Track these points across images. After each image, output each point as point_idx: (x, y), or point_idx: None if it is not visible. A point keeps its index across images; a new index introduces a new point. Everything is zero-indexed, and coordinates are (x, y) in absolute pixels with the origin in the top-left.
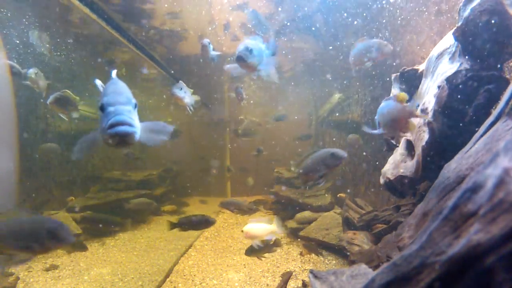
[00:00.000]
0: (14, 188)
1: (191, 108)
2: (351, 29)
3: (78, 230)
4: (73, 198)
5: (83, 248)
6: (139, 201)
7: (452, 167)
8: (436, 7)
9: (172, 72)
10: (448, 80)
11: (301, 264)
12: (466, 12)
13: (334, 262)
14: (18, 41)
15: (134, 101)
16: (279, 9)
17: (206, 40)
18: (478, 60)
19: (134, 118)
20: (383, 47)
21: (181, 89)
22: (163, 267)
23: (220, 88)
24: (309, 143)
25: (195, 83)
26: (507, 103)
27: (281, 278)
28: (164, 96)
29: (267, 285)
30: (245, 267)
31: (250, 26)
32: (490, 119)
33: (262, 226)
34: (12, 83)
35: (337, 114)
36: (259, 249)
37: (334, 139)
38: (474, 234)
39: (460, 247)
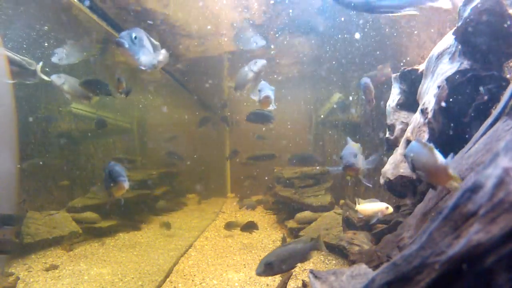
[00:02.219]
0: (14, 188)
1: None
2: (351, 30)
3: (78, 230)
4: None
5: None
6: None
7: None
8: (436, 7)
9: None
10: (448, 80)
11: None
12: (466, 12)
13: (334, 262)
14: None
15: None
16: (276, 8)
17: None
18: (478, 60)
19: None
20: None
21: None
22: (163, 267)
23: (219, 88)
24: (309, 144)
25: (196, 83)
26: (507, 103)
27: (281, 278)
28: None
29: (267, 285)
30: (245, 267)
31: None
32: (490, 119)
33: (374, 205)
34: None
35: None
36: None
37: (335, 137)
38: (474, 234)
39: (460, 247)
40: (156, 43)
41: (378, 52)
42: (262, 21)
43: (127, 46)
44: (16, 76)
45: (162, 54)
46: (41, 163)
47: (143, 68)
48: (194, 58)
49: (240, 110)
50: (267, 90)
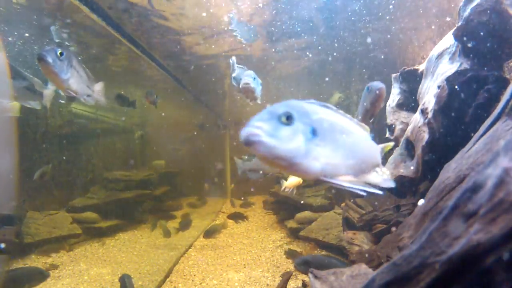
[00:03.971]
0: (14, 188)
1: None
2: (351, 30)
3: (78, 230)
4: None
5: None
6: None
7: (452, 167)
8: (437, 7)
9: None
10: (448, 80)
11: None
12: (466, 12)
13: None
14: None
15: None
16: (278, 8)
17: None
18: (478, 60)
19: None
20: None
21: None
22: (163, 267)
23: (220, 90)
24: None
25: (197, 83)
26: (507, 103)
27: (281, 278)
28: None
29: (267, 285)
30: (245, 267)
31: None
32: (490, 119)
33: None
34: (11, 83)
35: None
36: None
37: None
38: (474, 234)
39: (460, 247)
40: (90, 75)
41: (377, 52)
42: (263, 20)
43: (50, 61)
44: (19, 96)
45: (99, 85)
46: (50, 165)
47: (73, 94)
48: (195, 58)
49: (241, 112)
50: (248, 77)
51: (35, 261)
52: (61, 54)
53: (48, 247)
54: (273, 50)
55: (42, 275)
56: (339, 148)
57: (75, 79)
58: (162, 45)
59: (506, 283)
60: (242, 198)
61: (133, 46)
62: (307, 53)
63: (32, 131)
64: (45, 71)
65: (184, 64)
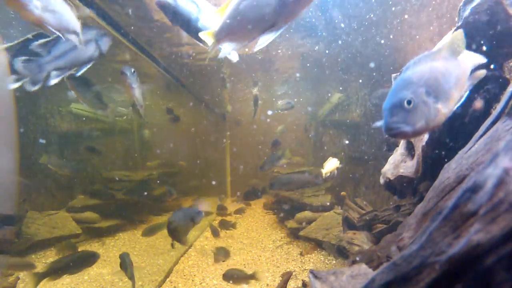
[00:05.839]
0: (14, 187)
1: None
2: (351, 29)
3: (78, 230)
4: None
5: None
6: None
7: (452, 167)
8: (436, 8)
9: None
10: None
11: (301, 264)
12: (466, 12)
13: (334, 262)
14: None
15: None
16: None
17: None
18: None
19: None
20: None
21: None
22: (163, 267)
23: (221, 87)
24: (309, 144)
25: (199, 82)
26: (507, 103)
27: (281, 278)
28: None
29: (267, 285)
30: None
31: None
32: (490, 119)
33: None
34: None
35: (337, 115)
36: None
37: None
38: (474, 234)
39: (460, 247)
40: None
41: (377, 51)
42: None
43: (128, 74)
44: (92, 105)
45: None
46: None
47: (136, 96)
48: (193, 60)
49: (242, 111)
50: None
51: (35, 261)
52: (134, 71)
53: (48, 247)
54: (274, 53)
55: (94, 257)
56: (51, 9)
57: (138, 91)
58: (161, 43)
59: (506, 283)
60: (239, 202)
61: (130, 43)
62: (307, 52)
63: (32, 131)
64: (123, 81)
65: (183, 63)
